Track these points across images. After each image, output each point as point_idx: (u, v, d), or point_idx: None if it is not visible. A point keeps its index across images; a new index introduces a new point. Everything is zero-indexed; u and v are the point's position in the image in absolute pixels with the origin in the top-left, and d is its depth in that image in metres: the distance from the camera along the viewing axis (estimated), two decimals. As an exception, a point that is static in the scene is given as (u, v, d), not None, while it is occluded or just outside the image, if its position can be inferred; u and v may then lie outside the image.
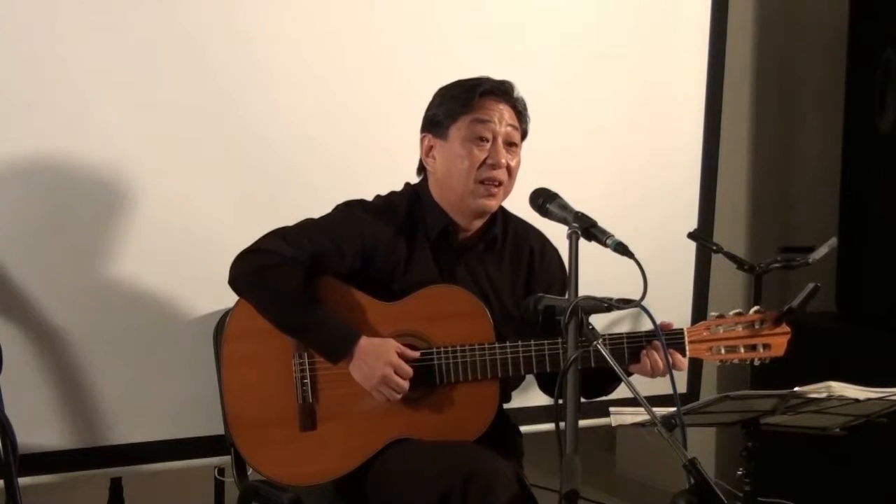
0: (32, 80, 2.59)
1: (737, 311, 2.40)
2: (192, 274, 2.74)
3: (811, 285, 2.29)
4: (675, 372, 2.00)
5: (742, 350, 2.39)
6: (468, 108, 2.40)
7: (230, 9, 2.79)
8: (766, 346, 2.39)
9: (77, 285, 2.65)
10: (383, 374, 2.30)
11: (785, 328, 2.40)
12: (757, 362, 2.41)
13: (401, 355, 2.32)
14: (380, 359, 2.31)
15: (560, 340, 2.32)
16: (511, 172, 2.43)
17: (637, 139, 3.38)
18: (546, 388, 2.61)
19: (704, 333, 2.39)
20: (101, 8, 2.64)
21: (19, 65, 2.57)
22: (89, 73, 2.63)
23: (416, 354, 2.34)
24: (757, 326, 2.39)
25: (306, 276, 2.35)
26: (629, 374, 2.34)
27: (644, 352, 2.36)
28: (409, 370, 2.32)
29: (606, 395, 2.45)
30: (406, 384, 2.32)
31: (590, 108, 3.29)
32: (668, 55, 3.44)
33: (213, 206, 2.78)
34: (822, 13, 4.10)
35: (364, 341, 2.32)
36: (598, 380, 2.34)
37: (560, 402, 1.83)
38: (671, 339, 2.37)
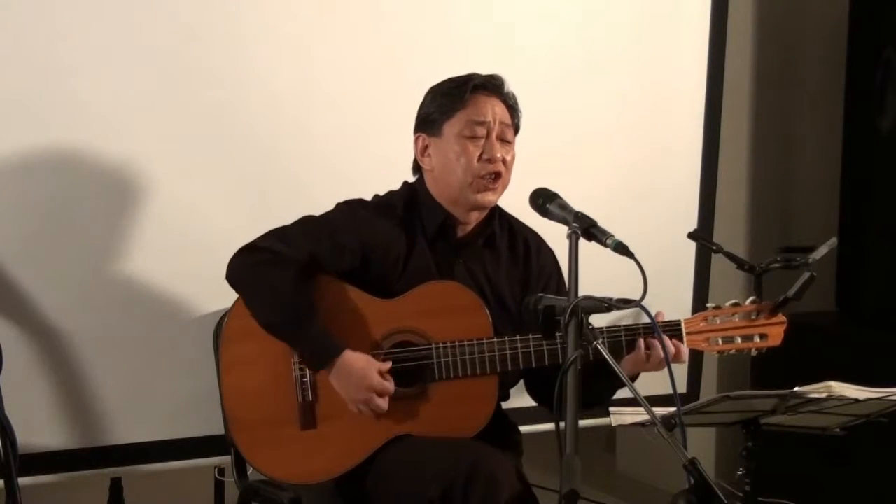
0: (35, 80, 2.59)
1: (733, 301, 2.41)
2: (193, 273, 2.74)
3: (806, 274, 2.31)
4: (674, 371, 1.99)
5: (739, 340, 2.40)
6: (461, 103, 2.41)
7: (231, 10, 2.79)
8: (762, 336, 2.40)
9: (77, 285, 2.65)
10: (365, 398, 2.31)
11: (781, 318, 2.40)
12: (754, 352, 2.41)
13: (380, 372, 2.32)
14: (362, 383, 2.31)
15: (558, 336, 2.32)
16: (507, 165, 2.44)
17: (637, 139, 3.38)
18: (536, 394, 2.59)
19: (701, 324, 2.40)
20: (106, 9, 2.65)
21: (22, 64, 2.57)
22: (92, 72, 2.64)
23: (388, 366, 2.34)
24: (753, 317, 2.39)
25: (302, 275, 2.35)
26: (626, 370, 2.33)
27: (641, 344, 2.35)
28: (391, 389, 2.32)
29: (603, 402, 2.37)
30: (386, 405, 2.32)
31: (590, 108, 3.29)
32: (668, 55, 3.44)
33: (213, 206, 2.78)
34: (822, 13, 4.10)
35: (347, 358, 2.31)
36: (596, 383, 2.29)
37: (560, 402, 1.82)
38: (668, 330, 2.37)
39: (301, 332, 2.32)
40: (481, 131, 2.41)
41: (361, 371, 2.31)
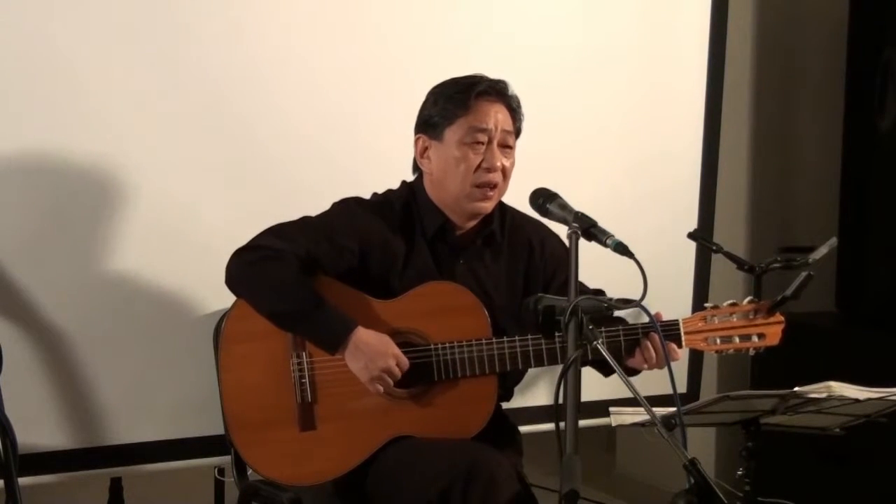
0: (34, 80, 2.59)
1: (731, 301, 2.41)
2: (193, 273, 2.74)
3: (804, 274, 2.30)
4: (674, 371, 1.99)
5: (737, 340, 2.40)
6: (464, 109, 2.40)
7: (228, 9, 2.79)
8: (760, 336, 2.40)
9: (77, 285, 2.65)
10: (387, 365, 2.30)
11: (779, 317, 2.40)
12: (752, 352, 2.42)
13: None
14: (382, 350, 2.31)
15: (557, 336, 2.32)
16: (506, 174, 2.43)
17: (637, 139, 3.38)
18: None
19: (700, 324, 2.40)
20: (104, 10, 2.64)
21: (21, 64, 2.57)
22: (92, 73, 2.64)
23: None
24: (751, 316, 2.39)
25: (303, 267, 2.35)
26: (625, 368, 2.34)
27: (639, 345, 2.36)
28: (407, 362, 2.33)
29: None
30: (399, 376, 2.32)
31: (590, 108, 3.29)
32: (668, 55, 3.44)
33: (213, 206, 2.78)
34: (822, 13, 4.10)
35: (361, 332, 2.32)
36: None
37: (560, 402, 1.82)
38: (667, 329, 2.37)
39: (311, 315, 2.31)
40: (483, 138, 2.40)
41: (378, 341, 2.31)
